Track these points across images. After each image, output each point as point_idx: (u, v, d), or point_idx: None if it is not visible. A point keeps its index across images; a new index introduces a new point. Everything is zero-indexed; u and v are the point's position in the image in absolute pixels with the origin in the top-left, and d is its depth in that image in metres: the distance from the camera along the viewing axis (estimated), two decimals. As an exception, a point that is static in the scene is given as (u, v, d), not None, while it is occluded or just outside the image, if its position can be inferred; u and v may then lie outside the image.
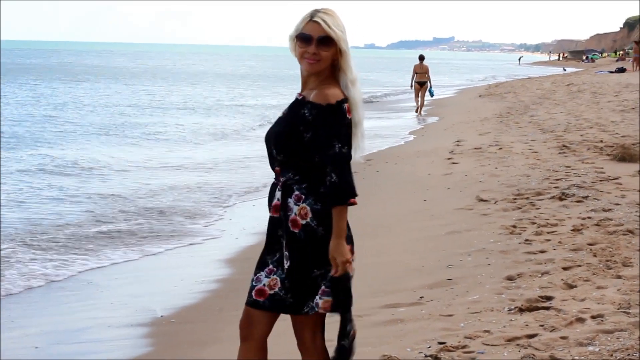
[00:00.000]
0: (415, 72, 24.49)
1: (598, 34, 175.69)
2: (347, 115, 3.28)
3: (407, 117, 24.42)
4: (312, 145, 3.27)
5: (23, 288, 6.92)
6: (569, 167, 11.14)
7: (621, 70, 44.47)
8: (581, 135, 14.77)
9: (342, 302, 3.32)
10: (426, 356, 4.53)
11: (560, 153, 12.65)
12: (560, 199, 8.80)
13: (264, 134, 3.52)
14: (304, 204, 3.31)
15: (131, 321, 6.02)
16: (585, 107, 21.38)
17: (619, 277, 5.79)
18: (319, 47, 3.30)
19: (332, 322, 3.44)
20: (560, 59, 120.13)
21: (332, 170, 3.20)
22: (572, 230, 7.36)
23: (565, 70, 69.38)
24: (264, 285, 3.37)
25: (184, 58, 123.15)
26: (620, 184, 9.58)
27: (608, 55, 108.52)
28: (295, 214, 3.31)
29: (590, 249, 6.62)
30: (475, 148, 13.83)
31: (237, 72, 70.96)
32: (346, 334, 3.39)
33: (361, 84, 3.41)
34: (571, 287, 5.65)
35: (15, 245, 8.21)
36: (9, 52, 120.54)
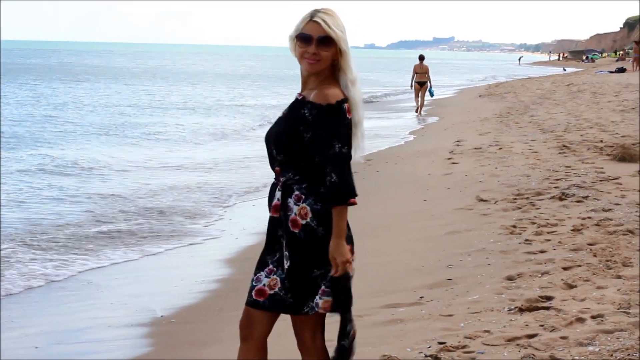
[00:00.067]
0: (415, 72, 24.50)
1: (598, 34, 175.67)
2: (347, 115, 3.28)
3: (407, 117, 24.42)
4: (312, 145, 3.27)
5: (23, 288, 6.92)
6: (569, 167, 11.14)
7: (621, 70, 44.46)
8: (581, 135, 14.77)
9: (342, 302, 3.32)
10: (426, 356, 4.53)
11: (560, 153, 12.65)
12: (560, 199, 8.80)
13: (264, 134, 3.52)
14: (304, 204, 3.31)
15: (131, 321, 6.02)
16: (585, 107, 21.38)
17: (619, 277, 5.79)
18: (319, 47, 3.29)
19: (332, 322, 3.44)
20: (560, 59, 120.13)
21: (332, 170, 3.20)
22: (572, 230, 7.36)
23: (565, 70, 69.37)
24: (264, 285, 3.37)
25: (184, 58, 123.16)
26: (620, 184, 9.58)
27: (608, 55, 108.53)
28: (295, 214, 3.31)
29: (590, 249, 6.62)
30: (475, 148, 13.83)
31: (237, 72, 70.96)
32: (346, 334, 3.39)
33: (361, 84, 3.41)
34: (571, 287, 5.65)
35: (15, 245, 8.21)
36: (9, 52, 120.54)
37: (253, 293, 3.38)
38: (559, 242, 6.97)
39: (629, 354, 4.29)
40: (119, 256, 8.01)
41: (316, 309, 3.32)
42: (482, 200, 9.23)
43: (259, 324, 3.39)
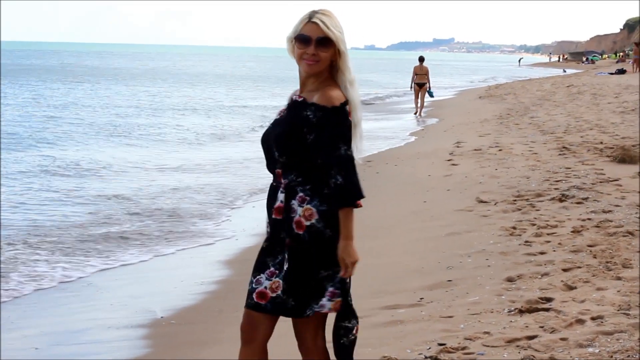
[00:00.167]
0: (415, 73, 24.51)
1: (598, 35, 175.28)
2: (349, 117, 3.29)
3: (407, 118, 24.43)
4: (315, 147, 3.26)
5: (23, 289, 6.91)
6: (569, 168, 11.14)
7: (621, 71, 44.44)
8: (581, 137, 14.77)
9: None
10: (426, 357, 4.54)
11: (560, 154, 12.65)
12: (560, 201, 8.80)
13: (264, 135, 3.51)
14: (309, 205, 3.30)
15: (131, 322, 6.02)
16: (585, 108, 21.39)
17: (619, 278, 5.79)
18: (317, 48, 3.30)
19: (332, 323, 3.44)
20: (560, 60, 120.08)
21: (338, 172, 3.21)
22: (572, 231, 7.36)
23: (565, 71, 69.40)
24: (265, 287, 3.35)
25: (184, 59, 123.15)
26: (620, 186, 9.58)
27: (608, 56, 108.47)
28: (300, 215, 3.30)
29: (590, 251, 6.62)
30: (475, 149, 13.84)
31: (237, 73, 70.97)
32: (349, 329, 3.39)
33: (359, 85, 3.41)
34: (571, 288, 5.65)
35: (17, 246, 8.21)
36: (9, 53, 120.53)
37: (254, 295, 3.36)
38: (559, 243, 6.97)
39: (628, 356, 4.29)
40: (119, 257, 8.02)
41: (322, 310, 3.32)
42: (482, 201, 9.23)
43: (261, 326, 3.37)
